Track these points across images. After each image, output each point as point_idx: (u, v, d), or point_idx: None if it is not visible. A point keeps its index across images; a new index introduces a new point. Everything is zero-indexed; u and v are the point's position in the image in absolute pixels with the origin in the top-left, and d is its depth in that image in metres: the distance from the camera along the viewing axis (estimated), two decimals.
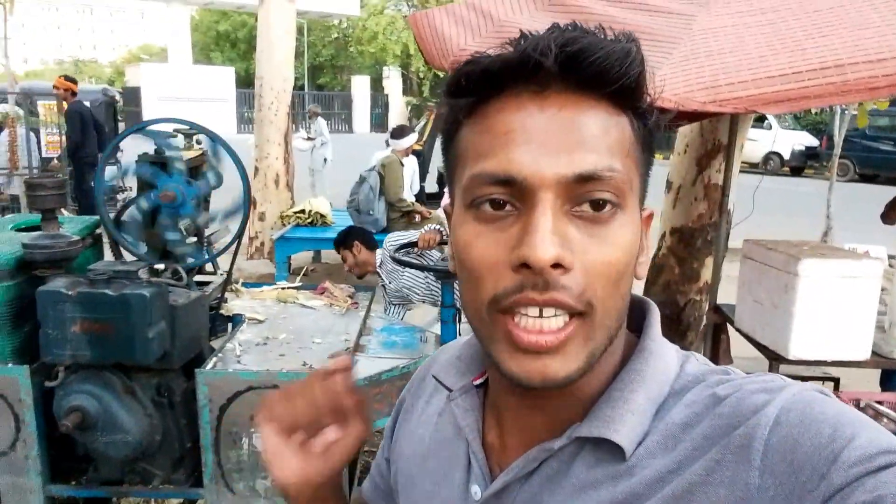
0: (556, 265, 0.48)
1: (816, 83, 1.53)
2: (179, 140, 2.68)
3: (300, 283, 3.26)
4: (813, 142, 17.22)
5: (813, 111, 16.94)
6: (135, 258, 2.38)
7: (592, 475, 0.54)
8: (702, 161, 3.60)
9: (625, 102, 0.52)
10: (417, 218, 5.32)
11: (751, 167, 17.32)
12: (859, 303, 2.11)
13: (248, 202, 2.54)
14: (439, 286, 3.49)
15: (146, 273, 2.15)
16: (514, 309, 0.50)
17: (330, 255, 7.03)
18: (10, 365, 2.11)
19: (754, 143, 17.31)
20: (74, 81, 6.42)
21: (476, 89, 0.53)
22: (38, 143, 6.98)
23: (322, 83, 39.86)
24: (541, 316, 0.49)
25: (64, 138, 5.64)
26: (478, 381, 0.65)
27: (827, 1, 1.82)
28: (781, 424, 0.47)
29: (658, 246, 3.89)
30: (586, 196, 0.50)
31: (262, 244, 6.39)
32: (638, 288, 4.64)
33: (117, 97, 7.86)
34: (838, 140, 6.50)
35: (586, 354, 0.51)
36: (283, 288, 3.10)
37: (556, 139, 0.50)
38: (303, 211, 5.50)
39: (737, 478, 0.47)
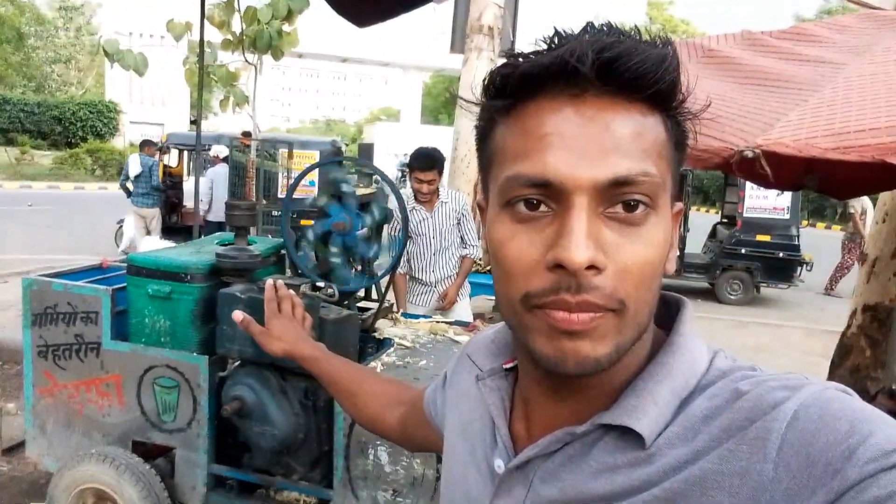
0: (590, 267, 0.50)
1: None
2: (354, 178, 3.02)
3: (454, 320, 3.43)
4: None
5: None
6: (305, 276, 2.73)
7: (612, 460, 0.56)
8: None
9: (659, 103, 0.54)
10: None
11: None
12: None
13: (405, 235, 2.79)
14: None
15: (307, 288, 2.46)
16: (549, 308, 0.52)
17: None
18: (194, 354, 2.52)
19: None
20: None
21: (513, 91, 0.54)
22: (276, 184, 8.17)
23: None
24: (572, 313, 0.52)
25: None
26: (508, 365, 0.69)
27: None
28: (799, 420, 0.48)
29: (848, 324, 3.51)
30: (620, 198, 0.52)
31: None
32: (823, 369, 4.12)
33: (343, 148, 8.86)
34: None
35: (615, 343, 0.53)
36: (437, 322, 3.30)
37: (591, 143, 0.51)
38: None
39: (750, 468, 0.48)
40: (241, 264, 2.52)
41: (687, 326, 0.60)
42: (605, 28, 0.53)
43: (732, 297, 8.61)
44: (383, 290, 3.00)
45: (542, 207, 0.53)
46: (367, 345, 2.89)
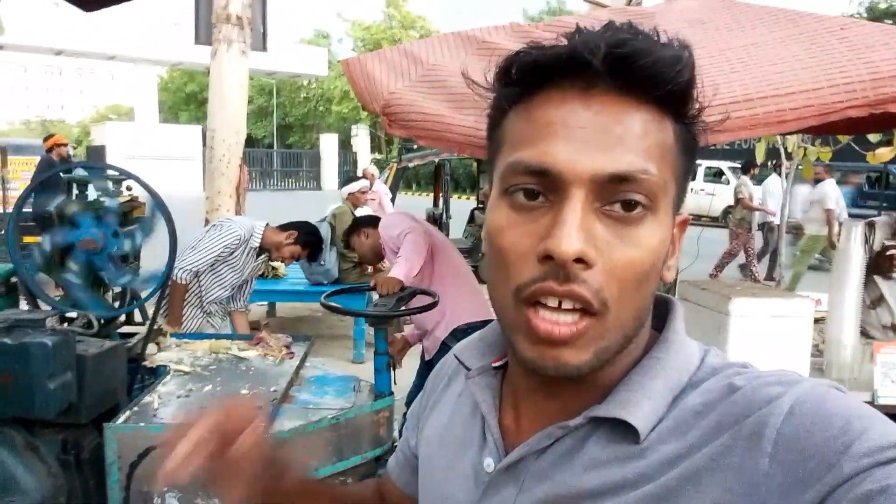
0: (579, 260, 0.49)
1: (724, 118, 1.51)
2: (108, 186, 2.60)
3: (235, 333, 3.14)
4: None
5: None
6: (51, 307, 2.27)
7: (604, 454, 0.55)
8: None
9: (670, 107, 0.53)
10: (370, 269, 5.24)
11: (711, 220, 17.67)
12: (792, 342, 2.08)
13: (172, 229, 2.46)
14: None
15: (54, 322, 2.04)
16: (536, 299, 0.52)
17: (284, 307, 6.89)
18: None
19: (714, 198, 17.68)
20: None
21: (525, 80, 0.54)
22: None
23: (291, 142, 40.17)
24: (559, 308, 0.51)
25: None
26: (497, 364, 0.67)
27: (741, 39, 1.85)
28: (795, 415, 0.48)
29: None
30: (618, 195, 0.51)
31: None
32: None
33: (71, 153, 7.73)
34: (787, 191, 6.66)
35: (596, 349, 0.53)
36: (215, 338, 2.98)
37: (595, 136, 0.51)
38: None
39: (745, 464, 0.48)
40: None
41: (679, 324, 0.61)
42: (624, 27, 0.53)
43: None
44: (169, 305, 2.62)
45: (541, 198, 0.53)
46: (137, 376, 2.50)
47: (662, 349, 0.58)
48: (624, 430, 0.55)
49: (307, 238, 3.45)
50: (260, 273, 5.40)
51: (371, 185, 7.58)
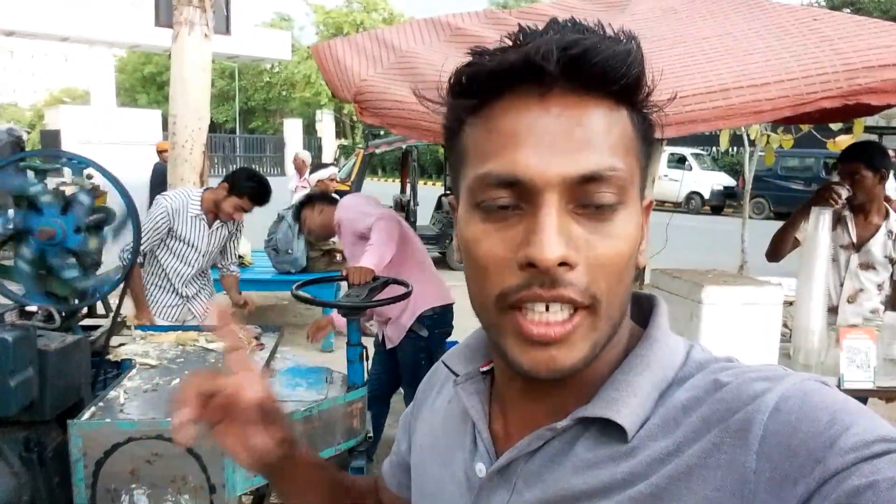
0: (562, 263, 0.50)
1: (702, 108, 1.53)
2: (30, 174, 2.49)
3: (201, 325, 3.08)
4: (730, 182, 18.01)
5: (729, 152, 17.76)
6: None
7: (594, 455, 0.55)
8: None
9: (625, 98, 0.54)
10: (339, 257, 5.19)
11: (674, 206, 17.96)
12: (762, 329, 2.11)
13: (136, 221, 2.39)
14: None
15: (13, 316, 1.97)
16: (522, 304, 0.52)
17: (250, 296, 6.77)
18: None
19: (676, 184, 17.97)
20: None
21: (479, 90, 0.54)
22: None
23: (254, 127, 39.51)
24: (547, 311, 0.51)
25: None
26: (484, 369, 0.68)
27: (715, 29, 1.86)
28: (781, 411, 0.48)
29: None
30: (589, 196, 0.52)
31: None
32: None
33: (24, 137, 7.47)
34: (749, 178, 6.78)
35: (591, 344, 0.53)
36: (182, 330, 2.91)
37: (559, 140, 0.51)
38: None
39: (734, 461, 0.48)
40: None
41: (663, 321, 0.61)
42: (569, 24, 0.54)
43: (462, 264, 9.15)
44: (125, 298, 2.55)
45: (513, 208, 0.53)
46: (101, 371, 2.43)
47: (646, 346, 0.58)
48: (612, 430, 0.55)
49: (243, 184, 3.06)
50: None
51: (301, 174, 7.35)
